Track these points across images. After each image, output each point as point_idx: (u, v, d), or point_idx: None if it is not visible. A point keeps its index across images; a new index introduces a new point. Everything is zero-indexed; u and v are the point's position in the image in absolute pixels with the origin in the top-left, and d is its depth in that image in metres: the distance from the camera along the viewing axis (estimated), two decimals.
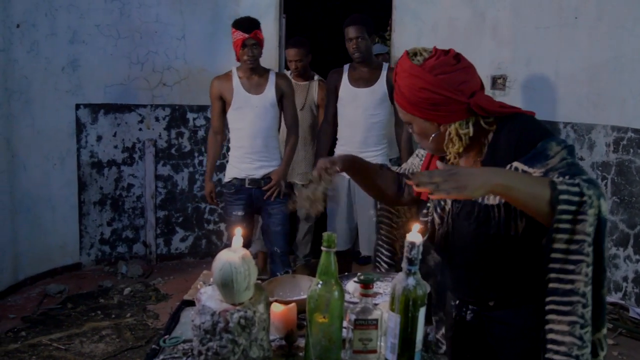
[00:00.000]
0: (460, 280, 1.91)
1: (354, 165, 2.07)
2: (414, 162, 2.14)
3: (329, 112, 4.52)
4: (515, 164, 1.65)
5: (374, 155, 4.34)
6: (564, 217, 1.51)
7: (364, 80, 4.32)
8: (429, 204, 1.96)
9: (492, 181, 1.51)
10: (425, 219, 1.96)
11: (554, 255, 1.54)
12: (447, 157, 1.86)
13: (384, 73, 4.33)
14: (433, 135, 1.78)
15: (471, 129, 1.74)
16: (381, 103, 4.30)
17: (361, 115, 4.31)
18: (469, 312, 1.91)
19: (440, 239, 1.91)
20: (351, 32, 4.25)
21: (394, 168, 2.20)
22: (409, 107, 1.76)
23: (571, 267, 1.53)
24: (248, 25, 3.98)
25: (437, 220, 1.91)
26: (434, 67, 1.70)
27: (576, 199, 1.50)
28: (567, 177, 1.55)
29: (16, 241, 4.94)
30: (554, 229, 1.52)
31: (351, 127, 4.35)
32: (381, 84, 4.29)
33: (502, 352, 1.84)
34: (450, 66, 1.71)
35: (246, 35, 3.93)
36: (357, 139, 4.33)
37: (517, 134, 1.70)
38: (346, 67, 4.47)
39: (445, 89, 1.69)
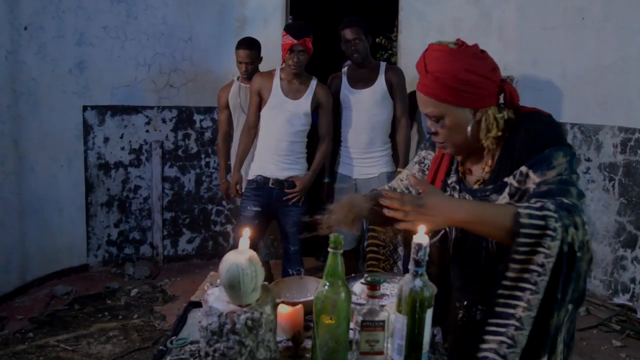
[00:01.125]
0: (470, 280, 1.91)
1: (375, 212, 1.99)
2: (414, 171, 2.13)
3: (334, 116, 4.54)
4: (522, 168, 1.68)
5: (380, 155, 4.34)
6: (521, 249, 1.54)
7: (364, 81, 4.33)
8: None
9: (454, 217, 1.59)
10: None
11: (504, 282, 1.58)
12: (459, 160, 1.89)
13: (382, 72, 4.33)
14: (469, 127, 1.76)
15: (506, 113, 1.77)
16: (382, 102, 4.31)
17: (364, 116, 4.31)
18: (478, 312, 1.91)
19: (453, 241, 1.91)
20: (348, 34, 4.25)
21: (388, 186, 2.21)
22: (445, 94, 1.73)
23: (518, 293, 1.57)
24: (298, 31, 4.00)
25: (447, 227, 1.92)
26: (470, 49, 1.76)
27: (536, 232, 1.53)
28: (538, 203, 1.56)
29: (24, 242, 4.96)
30: (510, 258, 1.56)
31: (356, 129, 4.35)
32: (380, 83, 4.30)
33: None
34: (481, 52, 1.77)
35: (295, 42, 3.95)
36: (363, 140, 4.33)
37: (532, 135, 1.72)
38: (345, 70, 4.49)
39: (483, 70, 1.73)
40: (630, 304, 4.77)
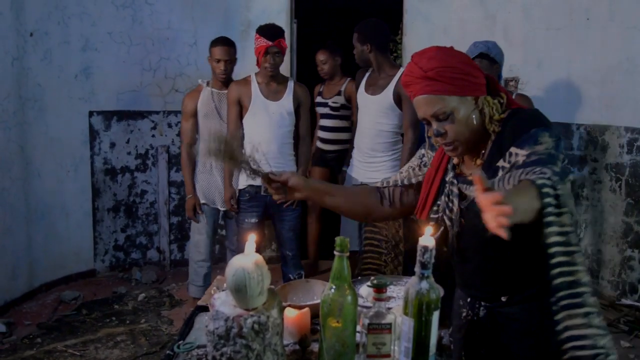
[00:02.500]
0: (472, 276, 1.91)
1: (316, 192, 2.10)
2: (413, 165, 2.14)
3: (356, 113, 4.54)
4: (512, 149, 1.71)
5: (384, 160, 4.29)
6: (549, 210, 1.51)
7: (375, 88, 4.27)
8: (438, 202, 1.97)
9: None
10: (436, 215, 1.98)
11: (550, 250, 1.54)
12: (455, 162, 1.93)
13: (394, 82, 4.18)
14: (474, 116, 1.79)
15: (500, 97, 1.83)
16: (388, 112, 4.19)
17: (370, 122, 4.28)
18: (481, 308, 1.92)
19: (452, 238, 1.91)
20: (353, 39, 4.27)
21: (378, 183, 2.22)
22: (449, 86, 1.76)
23: (567, 258, 1.53)
24: (272, 33, 3.99)
25: (447, 222, 1.92)
26: (449, 47, 1.84)
27: (553, 192, 1.52)
28: (539, 169, 1.58)
29: (31, 248, 4.97)
30: (544, 223, 1.53)
31: (362, 133, 4.35)
32: (388, 93, 4.19)
33: (515, 348, 1.85)
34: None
35: (270, 43, 3.94)
36: (366, 145, 4.30)
37: (518, 123, 1.76)
38: (369, 71, 4.45)
39: (470, 60, 1.83)
40: (638, 304, 4.75)
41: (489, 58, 3.86)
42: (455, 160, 1.94)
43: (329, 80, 5.27)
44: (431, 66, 1.76)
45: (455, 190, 1.89)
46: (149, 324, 4.54)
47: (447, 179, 1.95)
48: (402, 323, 1.61)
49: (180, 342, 1.92)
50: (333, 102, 5.17)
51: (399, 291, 2.12)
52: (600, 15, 4.88)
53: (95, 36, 5.32)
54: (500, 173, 1.72)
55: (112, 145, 5.55)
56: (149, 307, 4.87)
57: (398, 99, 4.15)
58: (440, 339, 1.81)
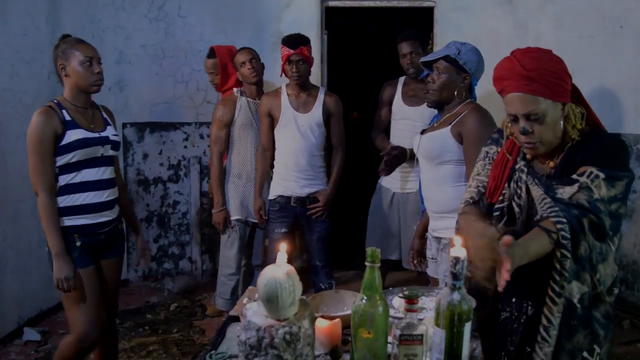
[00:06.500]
0: (524, 272, 1.87)
1: None
2: (485, 163, 2.19)
3: (382, 122, 4.51)
4: (598, 173, 1.82)
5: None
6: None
7: (416, 99, 4.22)
8: (504, 192, 1.99)
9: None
10: (501, 205, 2.02)
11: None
12: (528, 157, 2.04)
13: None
14: (561, 121, 1.90)
15: (582, 108, 1.95)
16: (430, 121, 4.22)
17: (410, 133, 4.23)
18: (529, 308, 1.93)
19: (520, 225, 1.96)
20: (405, 47, 4.23)
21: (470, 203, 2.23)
22: (548, 90, 1.86)
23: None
24: (295, 41, 4.00)
25: (516, 208, 2.00)
26: (552, 53, 1.97)
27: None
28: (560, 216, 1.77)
29: None
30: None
31: (401, 143, 4.31)
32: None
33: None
34: None
35: (292, 51, 3.94)
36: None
37: (608, 150, 1.90)
38: (401, 80, 4.44)
39: (565, 67, 1.96)
40: None
41: (456, 64, 2.93)
42: (528, 156, 2.03)
43: None
44: (533, 66, 1.86)
45: (523, 177, 1.97)
46: (181, 333, 4.57)
47: (516, 167, 2.02)
48: (434, 334, 1.60)
49: (212, 352, 1.93)
50: None
51: (430, 302, 2.11)
52: (634, 23, 4.83)
53: (128, 49, 5.41)
54: (578, 185, 1.83)
55: (145, 156, 5.61)
56: (181, 316, 4.90)
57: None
58: (472, 350, 1.80)
